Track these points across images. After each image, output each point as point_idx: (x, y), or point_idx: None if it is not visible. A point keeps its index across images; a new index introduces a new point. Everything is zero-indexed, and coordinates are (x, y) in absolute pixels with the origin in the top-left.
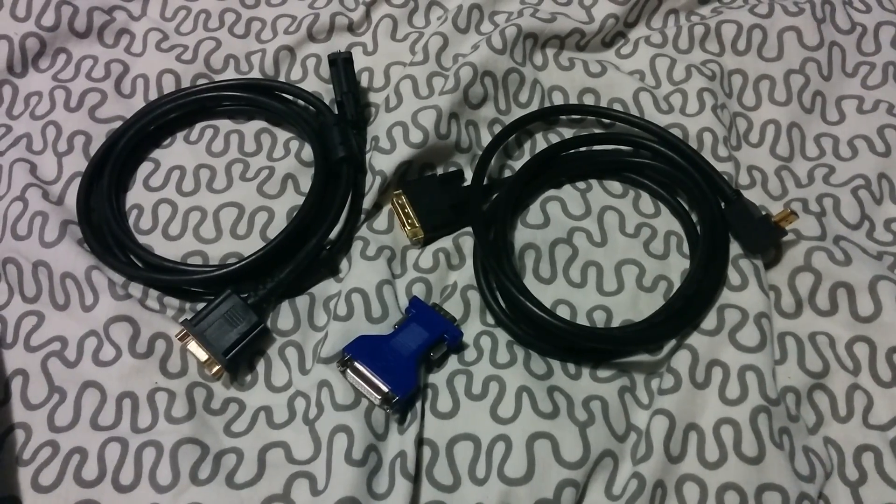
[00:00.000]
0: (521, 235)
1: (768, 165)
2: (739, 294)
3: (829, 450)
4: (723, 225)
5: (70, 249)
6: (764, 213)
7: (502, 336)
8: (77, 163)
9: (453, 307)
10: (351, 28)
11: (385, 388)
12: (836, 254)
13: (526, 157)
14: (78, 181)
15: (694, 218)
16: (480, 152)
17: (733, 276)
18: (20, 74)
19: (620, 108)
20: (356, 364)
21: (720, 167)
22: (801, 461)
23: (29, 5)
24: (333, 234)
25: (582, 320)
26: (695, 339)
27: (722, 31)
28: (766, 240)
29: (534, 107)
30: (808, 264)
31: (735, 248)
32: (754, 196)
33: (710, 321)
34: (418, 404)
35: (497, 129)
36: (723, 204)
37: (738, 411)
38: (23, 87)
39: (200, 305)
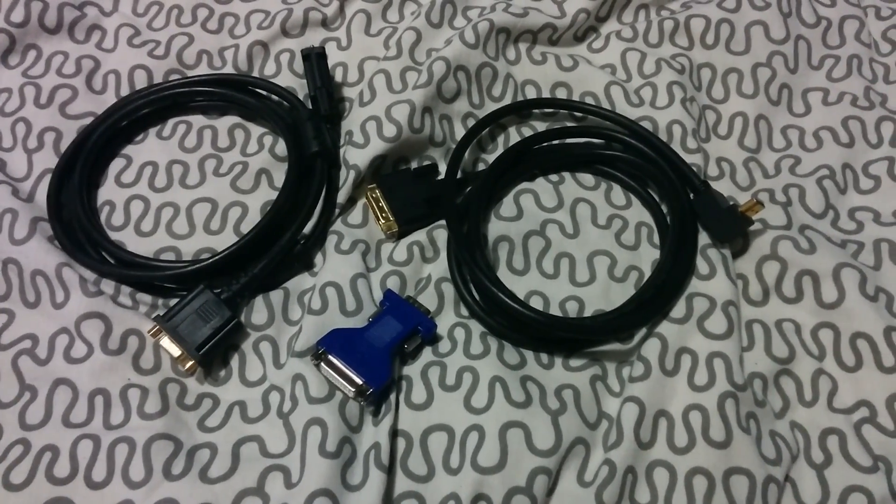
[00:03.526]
0: (495, 228)
1: (736, 157)
2: (707, 283)
3: (796, 433)
4: (691, 215)
5: (40, 246)
6: (731, 203)
7: (476, 327)
8: (47, 159)
9: (428, 299)
10: (325, 23)
11: (359, 381)
12: (802, 242)
13: (499, 151)
14: (48, 178)
15: (664, 209)
16: (454, 146)
17: (702, 266)
18: None
19: (592, 102)
20: (330, 357)
21: (689, 159)
22: (767, 445)
23: None
24: (307, 229)
25: (555, 311)
26: (664, 327)
27: (691, 25)
28: (734, 229)
29: (507, 101)
30: (775, 253)
31: (703, 238)
32: (723, 187)
33: (679, 310)
34: (392, 396)
35: (471, 122)
36: (692, 195)
37: (707, 397)
38: None
39: (174, 301)
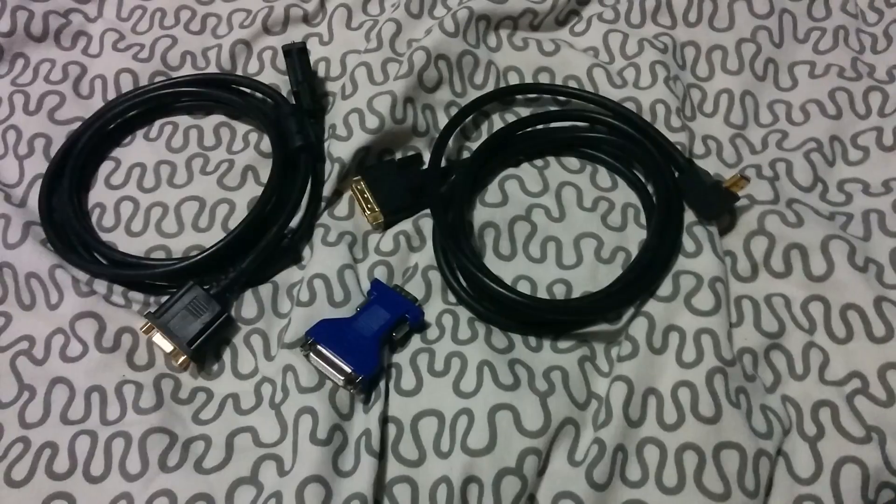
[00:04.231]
0: (481, 215)
1: (723, 134)
2: (694, 260)
3: (787, 407)
4: (676, 194)
5: (33, 250)
6: (717, 180)
7: (464, 314)
8: (38, 165)
9: (415, 288)
10: (306, 19)
11: (348, 369)
12: (789, 216)
13: (483, 138)
14: (39, 183)
15: (650, 189)
16: (438, 135)
17: (688, 243)
18: None
19: (575, 85)
20: (319, 347)
21: (674, 138)
22: (758, 419)
23: None
24: (294, 223)
25: (542, 294)
26: (651, 305)
27: (673, 3)
28: (719, 206)
29: (489, 88)
30: (762, 228)
31: (690, 216)
32: (709, 165)
33: (665, 288)
34: (382, 383)
35: (454, 111)
36: (676, 173)
37: (695, 374)
38: None
39: (165, 298)
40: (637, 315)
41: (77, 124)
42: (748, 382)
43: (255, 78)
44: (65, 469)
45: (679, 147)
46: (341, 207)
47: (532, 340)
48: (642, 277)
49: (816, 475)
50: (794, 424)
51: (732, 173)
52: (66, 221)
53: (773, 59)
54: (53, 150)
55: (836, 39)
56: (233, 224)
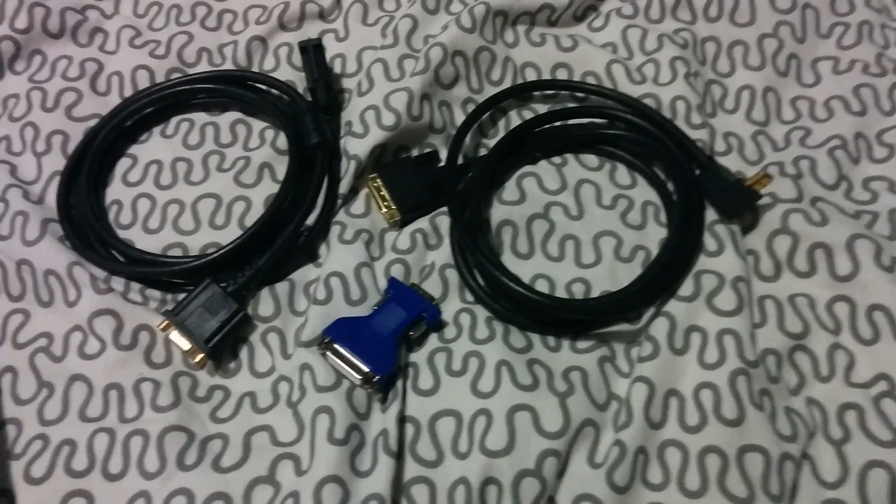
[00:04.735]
0: (498, 212)
1: (744, 131)
2: (716, 259)
3: (812, 410)
4: (697, 192)
5: (52, 247)
6: (739, 177)
7: (481, 312)
8: (56, 162)
9: (432, 286)
10: (322, 15)
11: (365, 368)
12: (813, 215)
13: (500, 135)
14: (57, 180)
15: (670, 187)
16: (454, 132)
17: (709, 242)
18: None
19: (593, 82)
20: (336, 346)
21: (694, 135)
22: (782, 422)
23: (1, 9)
24: (311, 221)
25: (561, 293)
26: (672, 305)
27: None
28: (741, 204)
29: (506, 84)
30: (786, 227)
31: (711, 215)
32: (731, 162)
33: (687, 287)
34: (399, 383)
35: (470, 108)
36: (697, 171)
37: (717, 375)
38: (0, 90)
39: (182, 296)
40: (658, 315)
41: (94, 121)
42: (772, 384)
43: (271, 75)
44: (83, 466)
45: (700, 144)
46: (358, 205)
47: (551, 340)
48: (663, 277)
49: (842, 479)
50: (819, 427)
51: (754, 171)
52: (83, 218)
53: (795, 55)
54: (71, 147)
55: (860, 35)
56: (249, 221)
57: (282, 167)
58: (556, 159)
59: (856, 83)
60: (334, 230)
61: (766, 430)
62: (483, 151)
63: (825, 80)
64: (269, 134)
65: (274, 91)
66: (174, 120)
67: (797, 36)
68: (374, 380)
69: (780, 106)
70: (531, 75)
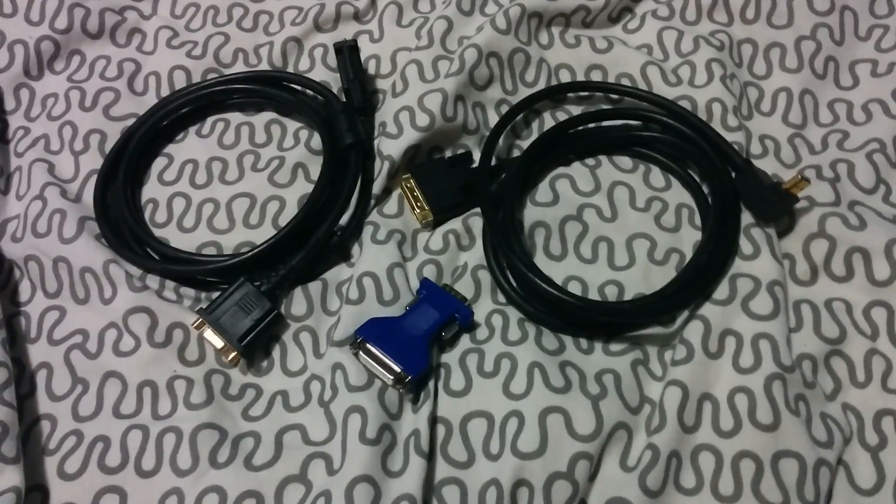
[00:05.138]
0: (531, 214)
1: (781, 134)
2: (751, 263)
3: (848, 416)
4: (733, 195)
5: (88, 244)
6: (775, 180)
7: (513, 314)
8: (93, 161)
9: (464, 287)
10: (357, 16)
11: (397, 369)
12: (851, 219)
13: (534, 137)
14: (94, 178)
15: (705, 189)
16: (488, 133)
17: (745, 246)
18: (36, 77)
19: (628, 83)
20: (368, 346)
21: (730, 137)
22: (818, 427)
23: (42, 9)
24: (344, 220)
25: (594, 296)
26: (707, 309)
27: (730, 0)
28: (778, 207)
29: (540, 86)
30: (823, 230)
31: (747, 218)
32: (767, 165)
33: (722, 291)
34: (431, 383)
35: (504, 109)
36: (733, 174)
37: (752, 379)
38: (39, 89)
39: (216, 294)
40: (692, 318)
41: (131, 120)
42: (808, 389)
43: (306, 75)
44: (117, 463)
45: (736, 147)
46: (391, 205)
47: (583, 342)
48: (697, 280)
49: (878, 486)
50: (854, 433)
51: (791, 174)
52: (119, 217)
53: (833, 57)
54: (108, 146)
55: None
56: (283, 221)
57: (316, 167)
58: (590, 161)
59: (894, 86)
60: (367, 230)
61: (801, 435)
62: (516, 153)
63: (863, 83)
64: (304, 134)
65: (309, 92)
66: (210, 120)
67: (835, 38)
68: (406, 380)
69: (817, 109)
70: (565, 77)
